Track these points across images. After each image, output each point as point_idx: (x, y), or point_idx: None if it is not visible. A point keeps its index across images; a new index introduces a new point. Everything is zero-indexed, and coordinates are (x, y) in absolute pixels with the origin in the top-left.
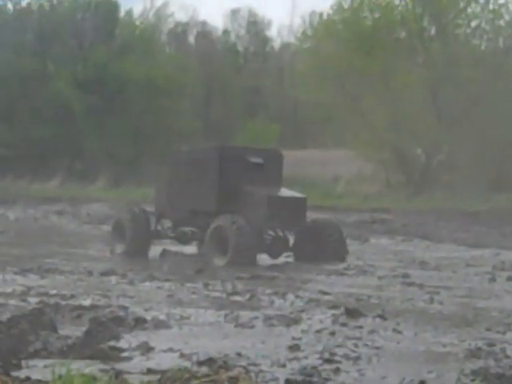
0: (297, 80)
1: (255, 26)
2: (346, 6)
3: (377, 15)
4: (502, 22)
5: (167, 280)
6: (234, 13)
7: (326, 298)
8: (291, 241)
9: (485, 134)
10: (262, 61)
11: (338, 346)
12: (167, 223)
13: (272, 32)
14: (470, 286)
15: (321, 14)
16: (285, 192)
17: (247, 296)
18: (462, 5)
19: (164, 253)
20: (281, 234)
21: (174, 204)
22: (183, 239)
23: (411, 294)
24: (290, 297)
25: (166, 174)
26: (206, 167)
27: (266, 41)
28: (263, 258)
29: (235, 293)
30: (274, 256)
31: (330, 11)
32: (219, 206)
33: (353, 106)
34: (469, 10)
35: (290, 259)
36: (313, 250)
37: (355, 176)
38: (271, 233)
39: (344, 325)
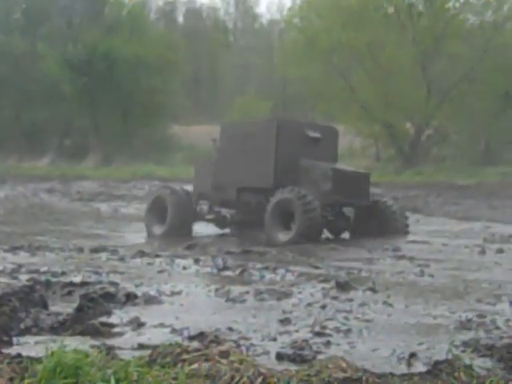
0: (286, 56)
1: (244, 3)
2: None
3: None
4: None
5: (157, 256)
6: None
7: (317, 271)
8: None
9: (474, 108)
10: (251, 38)
11: (329, 319)
12: (203, 204)
13: (261, 9)
14: (461, 258)
15: None
16: (347, 167)
17: (238, 271)
18: None
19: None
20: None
21: (221, 182)
22: (222, 222)
23: (401, 266)
24: (281, 271)
25: (213, 149)
26: (261, 141)
27: (254, 17)
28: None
29: (226, 268)
30: (336, 233)
31: None
32: (276, 181)
33: (342, 81)
34: None
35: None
36: (373, 226)
37: (345, 150)
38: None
39: (334, 298)
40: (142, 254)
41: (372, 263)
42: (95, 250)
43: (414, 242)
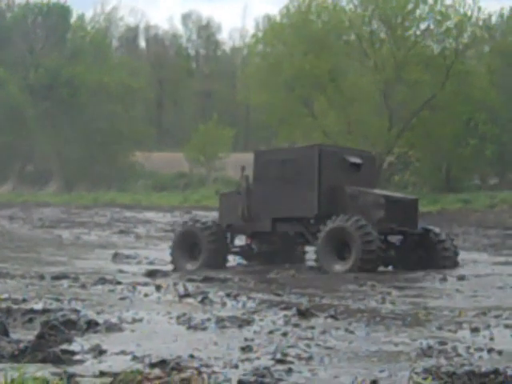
0: (248, 83)
1: (206, 30)
2: (293, 9)
3: (325, 19)
4: (450, 24)
5: (119, 283)
6: (185, 17)
7: (278, 299)
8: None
9: (435, 135)
10: (214, 64)
11: (290, 346)
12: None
13: (223, 35)
14: (422, 285)
15: (269, 18)
16: (396, 193)
17: (199, 298)
18: (410, 7)
19: (116, 255)
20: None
21: (254, 212)
22: (248, 254)
23: (363, 294)
24: (243, 298)
25: (246, 178)
26: (302, 168)
27: (217, 44)
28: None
29: (187, 295)
30: (387, 263)
31: (279, 15)
32: (321, 210)
33: (304, 108)
34: (417, 12)
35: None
36: (421, 256)
37: None
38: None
39: (296, 325)
40: (103, 280)
41: (333, 290)
42: (57, 277)
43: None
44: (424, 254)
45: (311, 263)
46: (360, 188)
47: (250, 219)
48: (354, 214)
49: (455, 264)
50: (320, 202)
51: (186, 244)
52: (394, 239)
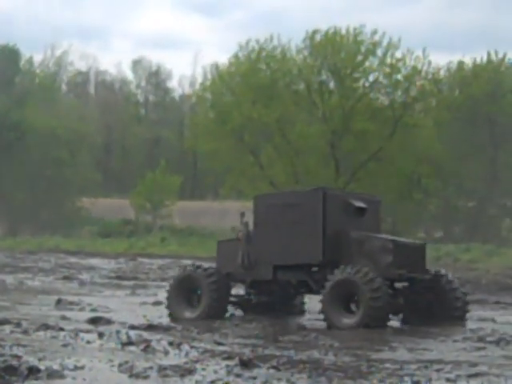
0: (196, 131)
1: (156, 77)
2: (242, 58)
3: (274, 67)
4: (399, 76)
5: (61, 329)
6: (135, 63)
7: (221, 348)
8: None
9: (381, 187)
10: (163, 111)
11: None
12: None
13: (173, 83)
14: (365, 336)
15: (217, 67)
16: (403, 238)
17: (142, 346)
18: (359, 58)
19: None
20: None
21: (254, 260)
22: (246, 305)
23: (306, 344)
24: (185, 347)
25: (245, 224)
26: (305, 212)
27: (166, 91)
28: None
29: (130, 343)
30: (395, 312)
31: (227, 64)
32: (325, 256)
33: (251, 157)
34: (367, 63)
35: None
36: (428, 306)
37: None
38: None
39: (238, 376)
40: (46, 327)
41: (277, 340)
42: None
43: (317, 319)
44: (434, 300)
45: (311, 315)
46: (366, 233)
47: (250, 267)
48: (361, 260)
49: (464, 314)
50: (324, 248)
51: (185, 290)
52: (401, 285)
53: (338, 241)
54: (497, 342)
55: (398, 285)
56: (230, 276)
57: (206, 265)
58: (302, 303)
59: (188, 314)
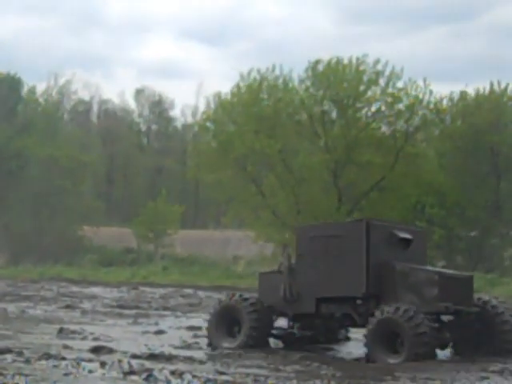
0: (198, 160)
1: (159, 106)
2: (243, 88)
3: (276, 98)
4: (401, 106)
5: (63, 359)
6: (138, 92)
7: (223, 377)
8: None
9: (384, 217)
10: (165, 140)
11: None
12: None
13: (175, 112)
14: (367, 366)
15: (219, 96)
16: (449, 271)
17: (144, 375)
18: (362, 88)
19: (61, 330)
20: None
21: (296, 292)
22: (289, 339)
23: (308, 374)
24: (187, 376)
25: (288, 256)
26: (348, 244)
27: (169, 121)
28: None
29: (132, 372)
30: (442, 346)
31: (229, 94)
32: (369, 289)
33: (253, 187)
34: (369, 93)
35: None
36: (478, 332)
37: (256, 256)
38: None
39: None
40: (48, 356)
41: (279, 370)
42: (0, 352)
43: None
44: (481, 328)
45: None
46: (411, 265)
47: (292, 300)
48: (405, 293)
49: None
50: (368, 281)
51: (225, 320)
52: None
53: (382, 273)
54: (500, 372)
55: (444, 318)
56: (272, 309)
57: (247, 295)
58: (347, 331)
59: (227, 344)
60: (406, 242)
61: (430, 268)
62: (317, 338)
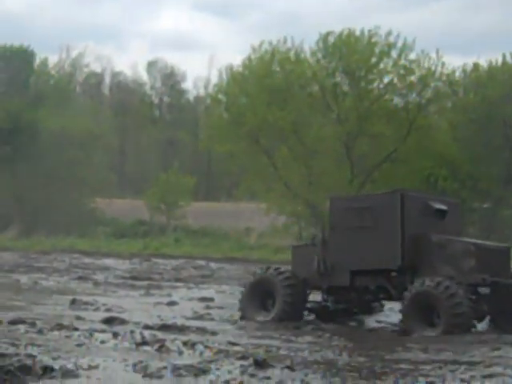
0: (211, 133)
1: (171, 78)
2: (255, 61)
3: (288, 70)
4: (413, 78)
5: (76, 329)
6: (150, 64)
7: (235, 348)
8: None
9: (396, 187)
10: (177, 113)
11: None
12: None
13: (188, 84)
14: (380, 337)
15: (231, 69)
16: (486, 242)
17: (156, 346)
18: (374, 60)
19: (74, 301)
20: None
21: (330, 265)
22: (322, 313)
23: (320, 345)
24: (199, 347)
25: (321, 228)
26: (383, 216)
27: (181, 93)
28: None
29: (144, 343)
30: (479, 318)
31: (241, 66)
32: (405, 261)
33: (266, 159)
34: (381, 65)
35: None
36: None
37: (268, 228)
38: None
39: (252, 376)
40: (60, 326)
41: (291, 341)
42: (13, 322)
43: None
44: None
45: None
46: (447, 236)
47: (326, 273)
48: (442, 265)
49: None
50: (404, 253)
51: (259, 293)
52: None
53: (418, 245)
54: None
55: (481, 290)
56: (306, 282)
57: (282, 268)
58: (382, 304)
59: (261, 318)
60: (442, 213)
61: (466, 239)
62: (351, 311)
